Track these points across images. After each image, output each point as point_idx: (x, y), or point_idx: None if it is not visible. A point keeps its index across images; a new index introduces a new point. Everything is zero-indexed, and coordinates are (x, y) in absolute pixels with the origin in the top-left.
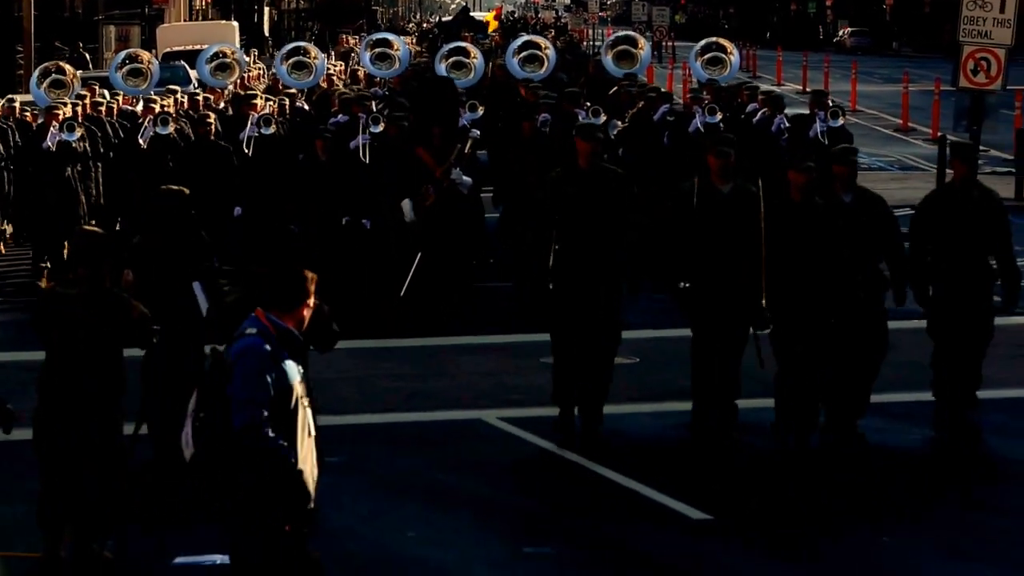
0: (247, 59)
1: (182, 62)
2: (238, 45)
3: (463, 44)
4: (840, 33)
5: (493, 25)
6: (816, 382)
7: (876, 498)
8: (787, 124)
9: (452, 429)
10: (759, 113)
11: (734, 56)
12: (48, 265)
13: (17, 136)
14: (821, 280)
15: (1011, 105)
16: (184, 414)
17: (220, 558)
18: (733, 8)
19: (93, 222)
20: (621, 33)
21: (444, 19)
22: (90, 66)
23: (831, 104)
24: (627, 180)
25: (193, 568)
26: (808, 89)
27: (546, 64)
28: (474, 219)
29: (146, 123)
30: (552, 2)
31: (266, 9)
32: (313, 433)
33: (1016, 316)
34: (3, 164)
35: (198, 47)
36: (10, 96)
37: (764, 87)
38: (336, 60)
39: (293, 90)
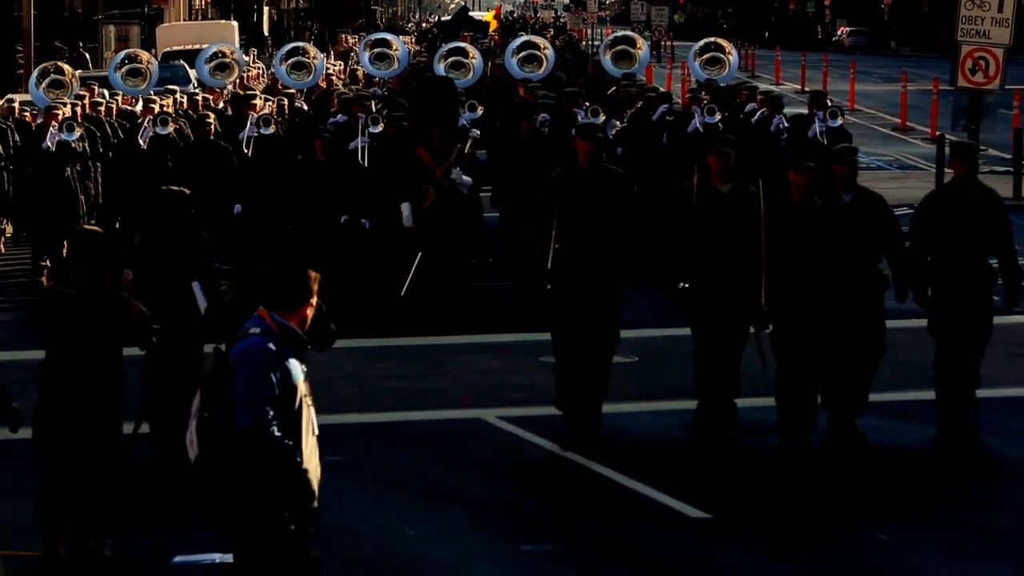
0: (246, 59)
1: (181, 61)
2: (237, 45)
3: (462, 44)
4: (838, 33)
5: (493, 25)
6: (816, 382)
7: (876, 498)
8: (786, 124)
9: (451, 428)
10: (758, 113)
11: (732, 56)
12: (48, 264)
13: (16, 136)
14: (821, 280)
15: (1009, 105)
16: (187, 414)
17: (219, 557)
18: (732, 8)
19: (93, 222)
20: (620, 33)
21: (443, 19)
22: (90, 66)
23: (830, 104)
24: (628, 180)
25: (192, 567)
26: (806, 88)
27: (545, 64)
28: (473, 218)
29: (146, 123)
30: (551, 2)
31: (265, 9)
32: (316, 432)
33: (1014, 315)
34: (2, 164)
35: (197, 47)
36: (9, 96)
37: (763, 87)
38: (335, 60)
39: (292, 90)
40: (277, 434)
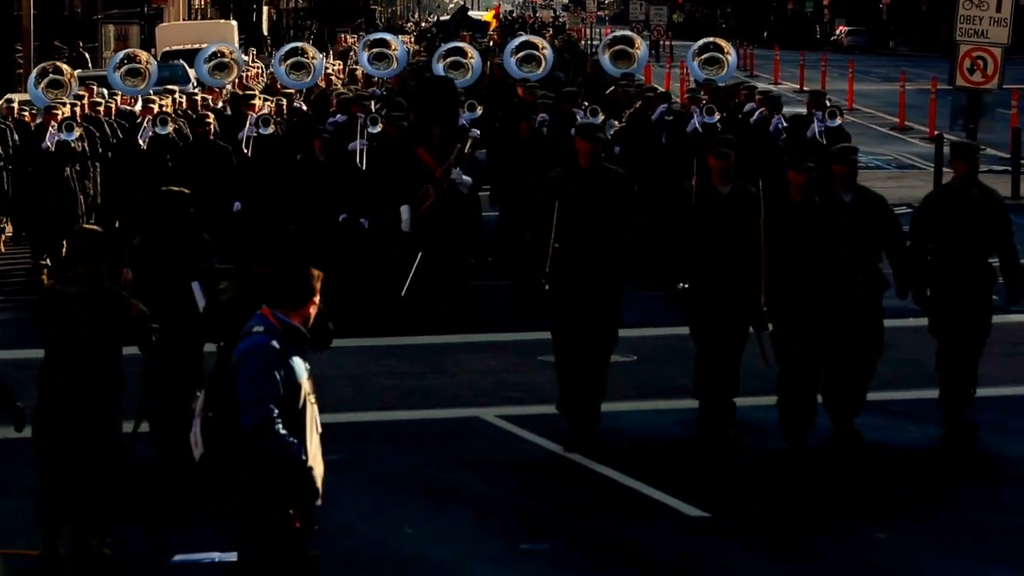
0: (245, 58)
1: (181, 61)
2: (237, 44)
3: (460, 44)
4: (837, 32)
5: (493, 24)
6: (816, 382)
7: (876, 498)
8: (785, 124)
9: (451, 427)
10: (757, 113)
11: (731, 56)
12: (49, 263)
13: (16, 136)
14: (821, 280)
15: (1007, 104)
16: (188, 413)
17: (218, 556)
18: (730, 7)
19: (92, 222)
20: (618, 32)
21: (442, 19)
22: (89, 65)
23: (829, 104)
24: (628, 180)
25: (191, 566)
26: (805, 88)
27: (543, 64)
28: (472, 218)
29: (145, 123)
30: (550, 1)
31: (265, 8)
32: (320, 430)
33: (1013, 314)
34: (2, 164)
35: (197, 46)
36: (8, 96)
37: (761, 86)
38: (334, 59)
39: (291, 90)
40: (282, 432)
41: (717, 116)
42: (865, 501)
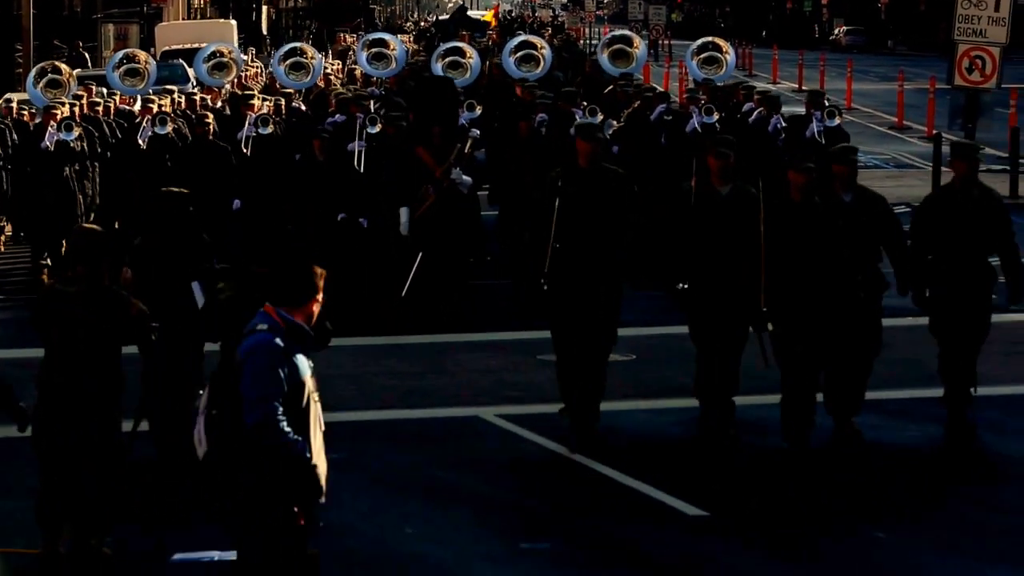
0: (244, 58)
1: (180, 60)
2: (236, 44)
3: (459, 44)
4: (835, 32)
5: (492, 24)
6: (816, 382)
7: (875, 497)
8: (783, 124)
9: (450, 426)
10: (755, 112)
11: (730, 55)
12: (49, 262)
13: (15, 135)
14: (821, 280)
15: (1006, 103)
16: (192, 412)
17: (218, 555)
18: (729, 7)
19: (91, 221)
20: (617, 32)
21: (441, 18)
22: (89, 65)
23: (828, 103)
24: (627, 180)
25: (191, 565)
26: (804, 87)
27: (542, 64)
28: (472, 218)
29: (145, 123)
30: (549, 1)
31: (264, 8)
32: (323, 428)
33: (1012, 313)
34: (1, 164)
35: (196, 45)
36: (7, 95)
37: (760, 86)
38: (333, 59)
39: (289, 90)
40: (286, 430)
41: (716, 116)
42: (865, 501)
